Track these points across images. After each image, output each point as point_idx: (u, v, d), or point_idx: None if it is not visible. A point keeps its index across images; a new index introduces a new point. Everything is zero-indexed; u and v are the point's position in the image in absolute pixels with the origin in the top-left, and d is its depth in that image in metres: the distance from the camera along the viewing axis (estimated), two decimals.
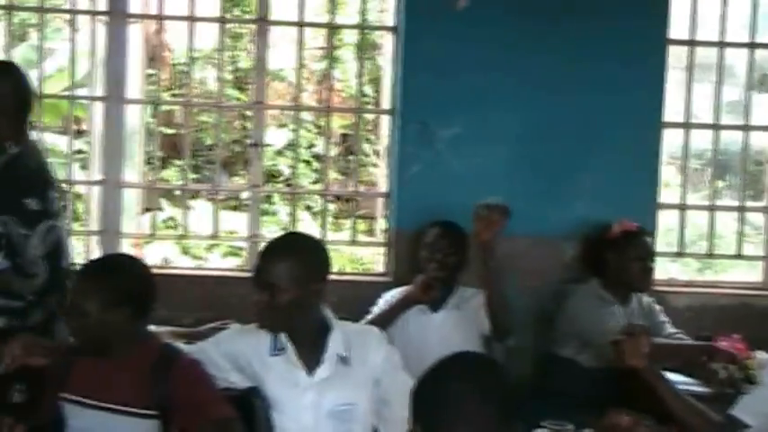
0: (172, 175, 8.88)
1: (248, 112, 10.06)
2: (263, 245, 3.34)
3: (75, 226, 5.51)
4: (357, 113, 5.46)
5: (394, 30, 5.14)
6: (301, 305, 3.12)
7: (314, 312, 3.21)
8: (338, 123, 10.43)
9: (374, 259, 7.48)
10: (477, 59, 4.96)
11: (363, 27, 5.33)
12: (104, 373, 3.06)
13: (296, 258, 3.12)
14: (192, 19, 5.04)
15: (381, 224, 8.39)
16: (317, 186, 8.41)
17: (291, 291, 3.07)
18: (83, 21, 5.27)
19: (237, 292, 4.73)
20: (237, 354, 3.23)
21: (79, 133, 10.39)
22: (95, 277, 3.08)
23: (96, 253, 5.13)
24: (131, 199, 5.74)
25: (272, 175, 9.96)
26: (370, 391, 3.22)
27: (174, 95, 8.92)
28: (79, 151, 9.76)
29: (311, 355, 3.18)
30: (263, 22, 5.07)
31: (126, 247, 5.26)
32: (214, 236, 5.24)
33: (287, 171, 9.45)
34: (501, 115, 5.01)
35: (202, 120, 9.23)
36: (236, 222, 7.57)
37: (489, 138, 5.01)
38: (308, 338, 3.19)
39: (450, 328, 4.40)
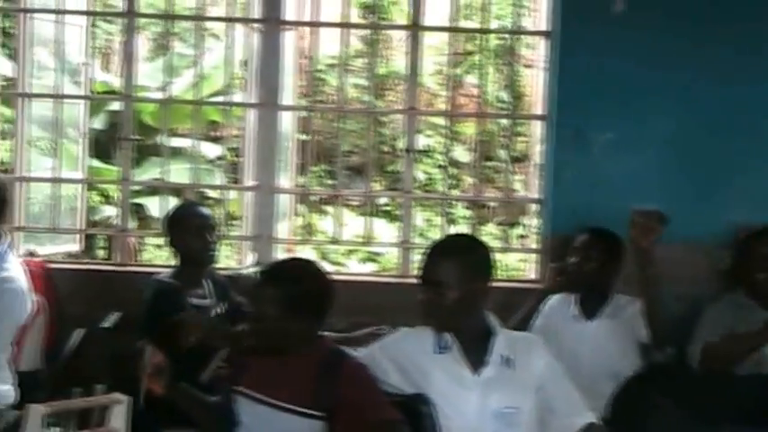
0: (309, 181, 8.96)
1: (383, 119, 10.26)
2: (428, 245, 3.34)
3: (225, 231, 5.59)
4: (509, 119, 5.44)
5: (547, 34, 5.11)
6: (467, 304, 3.15)
7: (478, 314, 3.22)
8: (473, 130, 10.52)
9: (517, 266, 7.44)
10: (632, 63, 4.91)
11: (516, 32, 5.32)
12: (275, 372, 3.10)
13: (462, 257, 3.16)
14: (345, 25, 5.08)
15: (520, 230, 8.37)
16: (454, 192, 8.42)
17: (458, 289, 3.10)
18: (223, 27, 5.34)
19: (389, 297, 4.79)
20: (401, 354, 3.23)
21: (219, 139, 10.64)
22: (276, 283, 3.11)
23: (249, 258, 5.21)
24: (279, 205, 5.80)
25: (399, 180, 9.99)
26: (533, 398, 3.19)
27: (311, 102, 9.01)
28: (221, 158, 9.98)
29: (475, 355, 3.17)
30: (415, 27, 5.07)
31: (280, 253, 5.32)
32: (366, 242, 5.26)
33: (420, 177, 9.47)
34: (657, 119, 4.95)
35: (339, 126, 9.28)
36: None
37: (645, 142, 4.95)
38: (473, 339, 3.19)
39: (605, 337, 4.33)
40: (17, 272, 3.91)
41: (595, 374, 4.07)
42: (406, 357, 3.22)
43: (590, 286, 4.42)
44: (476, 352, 3.17)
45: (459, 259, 3.14)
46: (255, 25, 5.20)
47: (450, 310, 3.13)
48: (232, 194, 6.48)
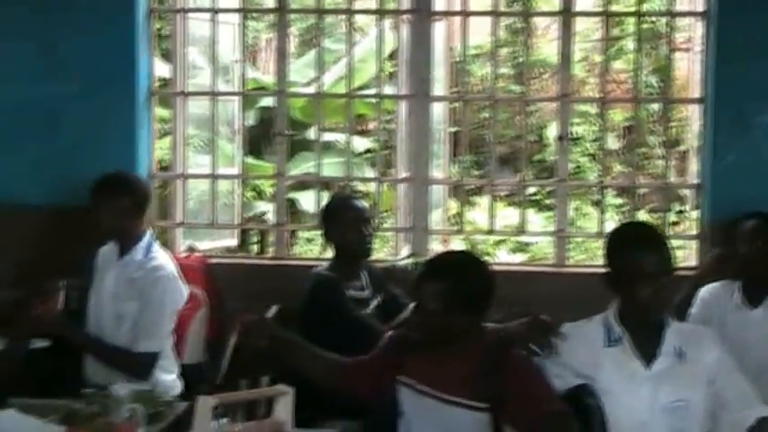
0: (453, 172, 8.98)
1: (529, 108, 10.18)
2: (619, 236, 3.27)
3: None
4: (664, 103, 5.32)
5: (704, 15, 4.98)
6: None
7: None
8: (620, 116, 10.37)
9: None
10: None
11: (672, 14, 5.20)
12: (438, 364, 3.09)
13: (666, 246, 3.10)
14: (496, 14, 5.05)
15: (672, 217, 8.20)
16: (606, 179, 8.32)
17: (670, 279, 3.06)
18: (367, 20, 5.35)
19: (546, 287, 4.76)
20: (568, 350, 3.18)
21: (366, 133, 10.73)
22: (439, 277, 3.10)
23: (404, 250, 5.22)
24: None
25: (545, 170, 9.94)
26: (704, 391, 3.12)
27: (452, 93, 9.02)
28: (368, 150, 10.06)
29: (647, 348, 3.12)
30: (566, 13, 5.01)
31: (434, 244, 5.33)
32: (519, 231, 5.23)
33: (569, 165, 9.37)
34: None
35: (488, 116, 9.26)
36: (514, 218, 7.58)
37: None
38: (645, 332, 3.13)
39: None
40: (165, 260, 4.07)
41: (762, 364, 3.94)
42: (573, 353, 3.17)
43: (756, 273, 4.28)
44: (647, 344, 3.12)
45: (665, 248, 3.09)
46: (405, 16, 5.21)
47: (671, 301, 3.13)
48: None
